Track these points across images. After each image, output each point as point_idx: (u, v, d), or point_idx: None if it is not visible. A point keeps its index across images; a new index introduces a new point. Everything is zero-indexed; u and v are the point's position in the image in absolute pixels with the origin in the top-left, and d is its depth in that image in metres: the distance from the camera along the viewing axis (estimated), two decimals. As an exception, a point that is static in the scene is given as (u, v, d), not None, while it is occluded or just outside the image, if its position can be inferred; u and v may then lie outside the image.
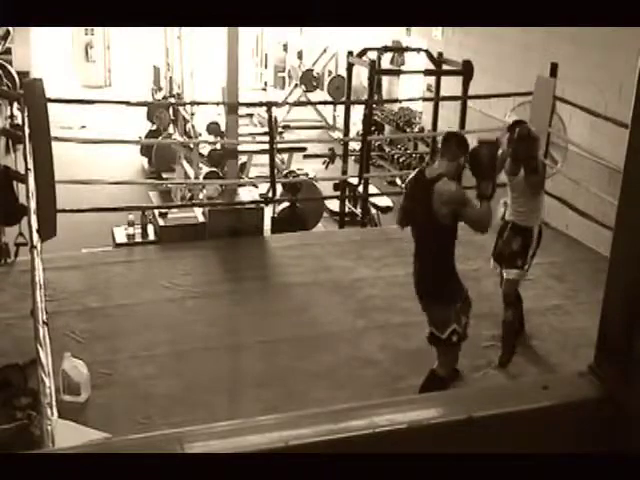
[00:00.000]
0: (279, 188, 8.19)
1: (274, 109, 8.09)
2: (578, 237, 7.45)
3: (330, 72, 15.52)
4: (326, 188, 9.60)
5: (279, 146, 9.41)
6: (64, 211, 6.47)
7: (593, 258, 6.66)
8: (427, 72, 10.65)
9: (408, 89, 13.35)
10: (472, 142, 10.46)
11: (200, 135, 11.01)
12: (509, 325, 5.28)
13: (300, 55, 16.27)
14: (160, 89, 13.51)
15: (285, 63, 17.69)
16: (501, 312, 5.84)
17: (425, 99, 11.86)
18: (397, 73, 13.20)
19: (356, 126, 10.39)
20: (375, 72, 9.80)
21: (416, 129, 12.39)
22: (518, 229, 5.16)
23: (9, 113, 11.72)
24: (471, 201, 4.18)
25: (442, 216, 4.09)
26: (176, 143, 10.95)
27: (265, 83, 18.16)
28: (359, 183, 8.58)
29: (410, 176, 4.43)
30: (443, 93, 10.00)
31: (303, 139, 12.52)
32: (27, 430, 3.89)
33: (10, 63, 14.56)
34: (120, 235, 7.47)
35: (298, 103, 13.83)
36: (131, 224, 7.39)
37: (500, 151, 4.72)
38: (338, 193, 9.38)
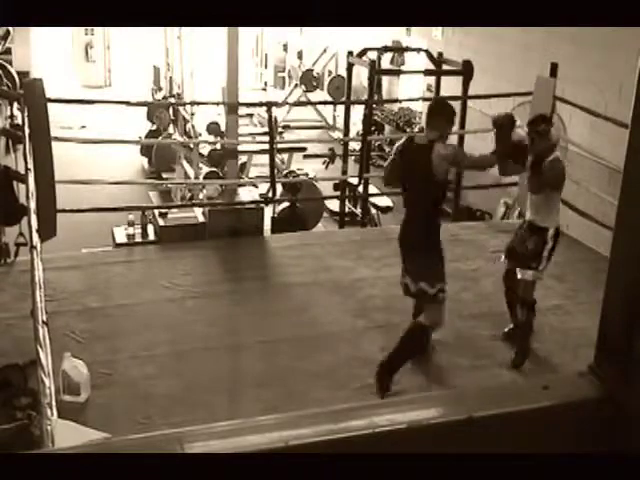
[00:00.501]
0: (279, 188, 8.18)
1: (274, 109, 8.09)
2: (578, 237, 7.44)
3: (330, 72, 15.52)
4: (326, 188, 9.60)
5: (279, 146, 9.42)
6: (64, 211, 6.46)
7: (593, 258, 6.66)
8: (427, 72, 10.65)
9: (408, 89, 13.35)
10: (473, 143, 10.44)
11: (200, 135, 11.01)
12: (524, 326, 5.27)
13: (300, 55, 16.27)
14: (160, 89, 13.52)
15: (285, 63, 17.69)
16: (500, 311, 5.86)
17: (425, 99, 11.85)
18: (397, 73, 13.20)
19: (356, 126, 10.39)
20: (375, 72, 9.80)
21: (416, 129, 12.38)
22: (534, 228, 5.17)
23: (9, 113, 11.74)
24: (467, 154, 4.92)
25: (441, 172, 4.65)
26: (176, 143, 10.95)
27: (265, 83, 18.16)
28: (359, 183, 8.58)
29: (400, 144, 4.89)
30: (443, 93, 10.00)
31: (303, 139, 12.52)
32: (27, 430, 3.88)
33: (10, 63, 14.59)
34: (120, 235, 7.47)
35: (298, 103, 13.83)
36: (131, 224, 7.39)
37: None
38: (338, 193, 9.39)
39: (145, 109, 13.03)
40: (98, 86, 18.79)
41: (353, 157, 10.14)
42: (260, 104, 9.09)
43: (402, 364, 4.79)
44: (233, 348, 5.39)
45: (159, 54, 13.05)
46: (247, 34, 15.67)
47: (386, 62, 12.92)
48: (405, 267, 4.86)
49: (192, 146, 10.23)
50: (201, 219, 7.40)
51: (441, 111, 4.81)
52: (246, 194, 7.87)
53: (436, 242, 4.75)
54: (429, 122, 4.75)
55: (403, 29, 12.97)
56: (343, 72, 12.00)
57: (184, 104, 11.28)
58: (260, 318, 5.79)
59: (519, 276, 5.18)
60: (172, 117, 12.17)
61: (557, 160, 5.16)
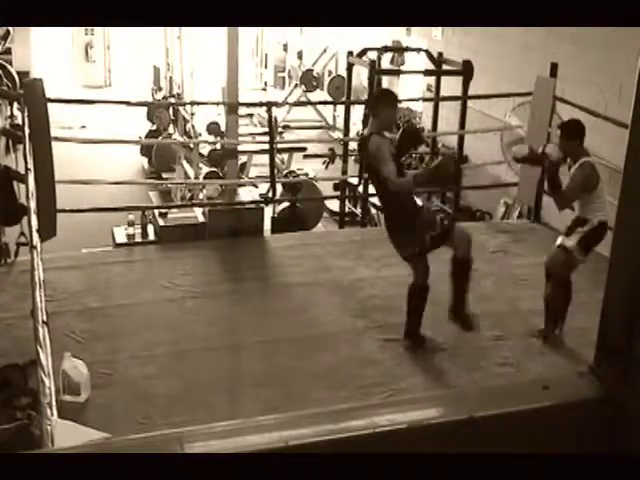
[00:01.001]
0: (279, 188, 8.18)
1: (274, 109, 8.09)
2: (578, 237, 7.43)
3: (330, 72, 15.53)
4: (326, 188, 9.59)
5: (279, 146, 9.42)
6: (64, 211, 6.46)
7: (593, 258, 6.64)
8: (427, 72, 10.65)
9: (408, 89, 13.35)
10: (473, 143, 10.42)
11: (200, 135, 11.01)
12: (550, 301, 5.48)
13: (300, 55, 16.27)
14: (160, 89, 13.51)
15: (285, 63, 17.70)
16: (501, 311, 5.87)
17: (425, 99, 11.86)
18: (397, 73, 13.20)
19: (356, 126, 10.39)
20: (375, 72, 9.79)
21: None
22: (581, 220, 5.35)
23: (9, 113, 11.74)
24: (385, 160, 4.94)
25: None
26: (176, 143, 10.95)
27: (265, 83, 18.16)
28: (359, 183, 8.58)
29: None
30: (443, 93, 10.00)
31: (303, 139, 12.52)
32: (27, 430, 3.88)
33: (10, 63, 14.59)
34: (120, 235, 7.47)
35: (298, 103, 13.84)
36: (131, 224, 7.39)
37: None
38: (338, 193, 9.39)
39: (145, 109, 13.03)
40: (98, 86, 18.79)
41: (353, 157, 10.14)
42: (260, 104, 9.09)
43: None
44: (233, 348, 5.39)
45: (159, 54, 13.04)
46: (247, 34, 15.68)
47: (386, 62, 12.92)
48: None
49: (192, 146, 10.23)
50: (201, 219, 7.40)
51: (374, 103, 5.34)
52: (246, 194, 7.86)
53: (404, 226, 5.13)
54: (369, 116, 5.29)
55: (403, 29, 12.97)
56: (343, 72, 11.99)
57: (184, 104, 11.28)
58: (260, 318, 5.78)
59: (559, 242, 5.37)
60: (172, 117, 12.17)
61: (582, 166, 5.23)
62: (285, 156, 10.52)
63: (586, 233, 5.28)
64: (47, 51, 18.13)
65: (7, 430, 3.91)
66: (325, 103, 14.86)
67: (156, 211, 7.62)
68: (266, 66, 18.53)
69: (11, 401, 4.27)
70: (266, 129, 8.00)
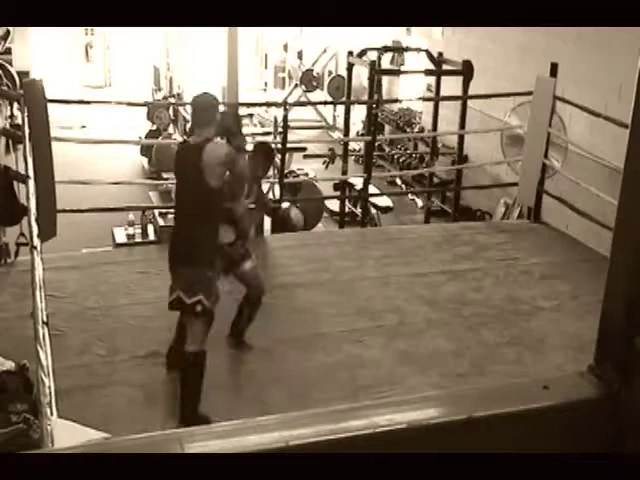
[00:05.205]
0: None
1: (274, 109, 8.10)
2: (578, 237, 7.45)
3: (330, 72, 15.54)
4: (326, 188, 9.59)
5: (279, 146, 9.42)
6: (64, 211, 6.46)
7: (593, 258, 6.66)
8: (427, 72, 10.66)
9: (408, 89, 13.35)
10: (473, 143, 10.42)
11: (200, 135, 10.99)
12: None
13: (300, 55, 16.28)
14: (160, 89, 13.53)
15: (285, 63, 17.71)
16: (500, 311, 5.86)
17: (425, 99, 11.87)
18: (397, 73, 13.21)
19: (356, 126, 10.40)
20: (375, 72, 9.81)
21: (416, 129, 12.40)
22: None
23: (9, 113, 11.74)
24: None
25: (215, 177, 4.30)
26: (176, 143, 10.95)
27: (265, 83, 18.17)
28: (365, 186, 8.56)
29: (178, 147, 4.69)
30: (443, 93, 10.01)
31: (303, 139, 12.53)
32: (25, 434, 3.86)
33: (10, 63, 14.60)
34: (120, 235, 7.47)
35: (298, 103, 13.85)
36: (131, 224, 7.40)
37: None
38: (338, 193, 9.39)
39: (145, 109, 13.05)
40: (98, 86, 18.80)
41: (353, 157, 10.15)
42: (260, 104, 9.09)
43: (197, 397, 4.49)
44: (233, 348, 5.39)
45: (159, 54, 13.05)
46: (247, 34, 15.68)
47: (386, 62, 12.93)
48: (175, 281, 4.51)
49: (192, 146, 10.23)
50: (201, 219, 7.39)
51: (202, 106, 4.61)
52: (246, 194, 7.85)
53: (206, 252, 4.43)
54: (196, 121, 4.53)
55: (403, 29, 12.98)
56: (343, 72, 12.00)
57: (184, 104, 11.28)
58: (260, 318, 5.78)
59: None
60: (172, 117, 12.18)
61: None
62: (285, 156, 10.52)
63: None
64: (47, 51, 18.14)
65: (3, 434, 3.89)
66: (325, 103, 14.87)
67: (156, 211, 7.63)
68: (266, 66, 18.54)
69: (6, 406, 4.26)
70: (266, 129, 8.01)
